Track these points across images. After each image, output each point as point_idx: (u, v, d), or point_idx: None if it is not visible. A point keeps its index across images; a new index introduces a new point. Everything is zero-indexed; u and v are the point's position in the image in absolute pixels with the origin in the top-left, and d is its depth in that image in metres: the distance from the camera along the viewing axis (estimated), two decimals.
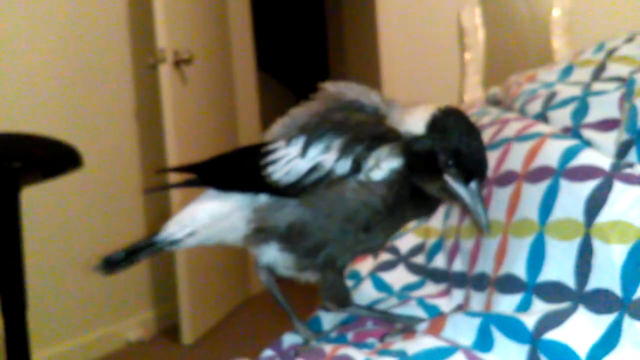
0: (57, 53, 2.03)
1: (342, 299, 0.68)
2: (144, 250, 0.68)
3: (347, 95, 0.67)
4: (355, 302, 0.71)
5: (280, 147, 0.64)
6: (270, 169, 0.63)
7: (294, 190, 0.62)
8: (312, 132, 0.63)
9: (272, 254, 0.66)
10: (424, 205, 0.65)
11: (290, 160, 0.63)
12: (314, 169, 0.62)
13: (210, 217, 0.67)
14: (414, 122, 0.61)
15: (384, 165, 0.61)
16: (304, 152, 0.63)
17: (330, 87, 0.70)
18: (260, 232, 0.65)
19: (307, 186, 0.62)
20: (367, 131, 0.63)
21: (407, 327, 0.65)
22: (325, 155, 0.62)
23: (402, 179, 0.62)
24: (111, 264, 0.68)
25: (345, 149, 0.62)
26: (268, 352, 0.71)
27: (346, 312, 0.71)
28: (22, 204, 1.28)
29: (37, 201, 1.75)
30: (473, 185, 0.60)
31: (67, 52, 2.06)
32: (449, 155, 0.59)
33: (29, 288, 1.30)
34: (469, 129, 0.60)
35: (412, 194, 0.63)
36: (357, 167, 0.61)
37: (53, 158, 1.32)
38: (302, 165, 0.62)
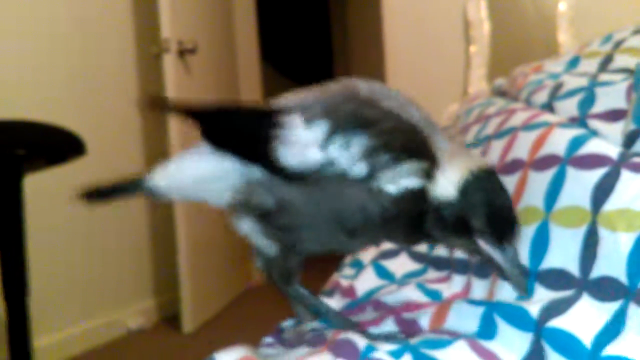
0: (61, 41, 2.03)
1: (287, 276, 0.64)
2: (127, 190, 0.67)
3: (383, 102, 0.60)
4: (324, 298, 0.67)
5: (296, 126, 0.58)
6: (280, 151, 0.57)
7: (299, 177, 0.58)
8: (340, 123, 0.57)
9: (248, 224, 0.62)
10: (412, 235, 0.61)
11: (305, 148, 0.57)
12: (328, 164, 0.57)
13: (198, 176, 0.63)
14: (444, 186, 0.57)
15: (401, 182, 0.57)
16: (324, 143, 0.57)
17: (363, 85, 0.62)
18: (244, 207, 0.61)
19: (314, 177, 0.58)
20: (400, 140, 0.57)
21: (390, 337, 0.61)
22: (344, 153, 0.56)
23: (410, 199, 0.57)
24: (94, 195, 0.67)
25: (370, 154, 0.56)
26: (268, 339, 0.70)
27: (286, 292, 0.66)
28: (25, 191, 1.28)
29: (39, 189, 1.75)
30: (509, 249, 0.56)
31: (71, 40, 2.06)
32: (482, 222, 0.55)
33: (30, 275, 1.30)
34: (500, 193, 0.56)
35: (407, 221, 0.59)
36: (372, 176, 0.57)
37: (57, 145, 1.32)
38: (317, 158, 0.57)
